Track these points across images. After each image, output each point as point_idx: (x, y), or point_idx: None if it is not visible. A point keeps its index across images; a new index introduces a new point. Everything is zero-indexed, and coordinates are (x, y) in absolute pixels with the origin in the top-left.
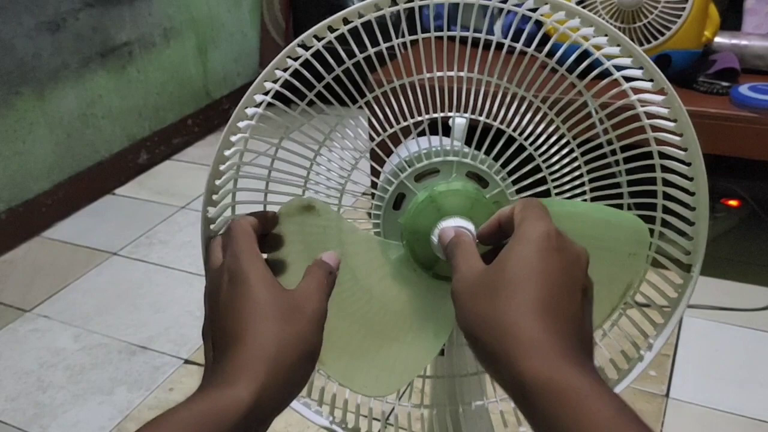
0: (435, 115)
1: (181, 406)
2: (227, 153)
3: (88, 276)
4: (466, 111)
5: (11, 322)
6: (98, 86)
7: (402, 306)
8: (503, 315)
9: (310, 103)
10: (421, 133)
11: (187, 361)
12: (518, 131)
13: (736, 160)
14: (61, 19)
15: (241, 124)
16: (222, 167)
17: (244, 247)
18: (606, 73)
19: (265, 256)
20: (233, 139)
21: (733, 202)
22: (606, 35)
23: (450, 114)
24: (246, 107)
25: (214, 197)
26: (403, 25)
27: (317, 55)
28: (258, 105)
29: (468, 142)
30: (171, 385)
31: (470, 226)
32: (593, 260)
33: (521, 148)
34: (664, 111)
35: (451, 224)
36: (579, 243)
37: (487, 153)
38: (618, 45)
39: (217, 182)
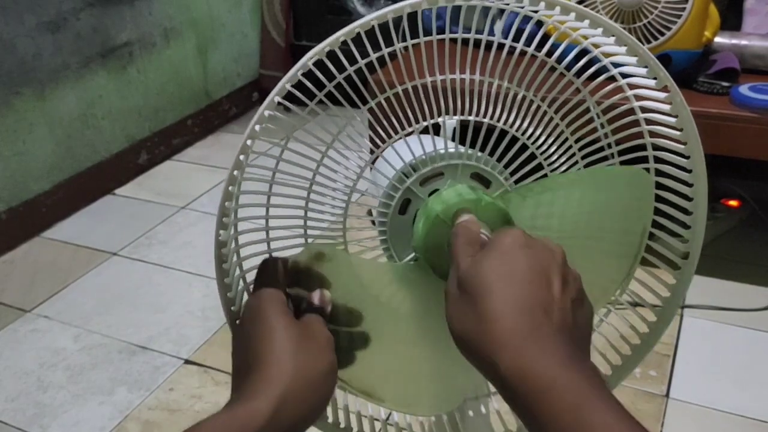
0: (439, 119)
1: (204, 420)
2: (236, 173)
3: (88, 276)
4: (470, 113)
5: (11, 322)
6: (98, 86)
7: (429, 317)
8: (480, 315)
9: (313, 106)
10: (423, 133)
11: (187, 361)
12: (521, 131)
13: (736, 160)
14: (62, 19)
15: (249, 142)
16: (231, 188)
17: (266, 289)
18: (607, 72)
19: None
20: (242, 158)
21: (733, 202)
22: (613, 36)
23: (456, 117)
24: (257, 124)
25: (225, 220)
26: (405, 25)
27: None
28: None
29: (463, 142)
30: (171, 385)
31: (483, 230)
32: (606, 216)
33: (521, 147)
34: (664, 107)
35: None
36: (557, 241)
37: (482, 150)
38: (625, 45)
39: (227, 204)
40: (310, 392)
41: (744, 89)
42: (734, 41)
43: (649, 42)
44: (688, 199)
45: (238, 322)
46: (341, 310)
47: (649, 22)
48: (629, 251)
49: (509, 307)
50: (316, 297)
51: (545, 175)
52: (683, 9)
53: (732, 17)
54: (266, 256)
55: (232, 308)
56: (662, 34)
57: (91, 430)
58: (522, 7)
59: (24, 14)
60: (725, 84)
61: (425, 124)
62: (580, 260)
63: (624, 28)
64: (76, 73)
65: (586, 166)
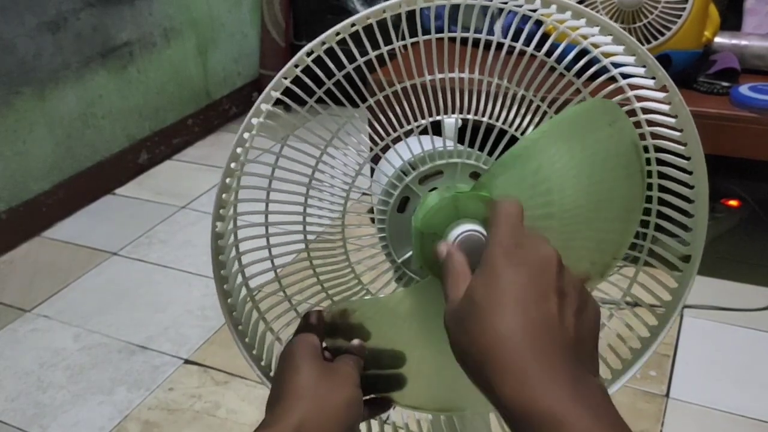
0: (438, 118)
1: None
2: (233, 165)
3: (88, 276)
4: (469, 112)
5: (11, 322)
6: (98, 86)
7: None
8: (478, 345)
9: (313, 103)
10: (423, 133)
11: (187, 361)
12: (520, 131)
13: (736, 160)
14: (62, 19)
15: (246, 135)
16: (228, 180)
17: (299, 334)
18: (606, 72)
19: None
20: (239, 150)
21: (733, 202)
22: (622, 44)
23: (455, 116)
24: (253, 117)
25: (222, 212)
26: (404, 25)
27: (317, 58)
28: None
29: (462, 140)
30: (171, 385)
31: (482, 230)
32: (590, 153)
33: (513, 142)
34: (663, 107)
35: (462, 229)
36: (550, 243)
37: (481, 150)
38: (623, 44)
39: (224, 196)
40: (327, 421)
41: (744, 89)
42: (734, 41)
43: (649, 42)
44: (689, 201)
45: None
46: (385, 353)
47: (649, 22)
48: (633, 167)
49: (507, 338)
50: (353, 348)
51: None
52: (683, 9)
53: (732, 17)
54: (309, 308)
55: (229, 300)
56: (662, 34)
57: (90, 430)
58: (520, 6)
59: (24, 14)
60: (725, 84)
61: (424, 122)
62: (589, 231)
63: (624, 28)
64: (76, 72)
65: None
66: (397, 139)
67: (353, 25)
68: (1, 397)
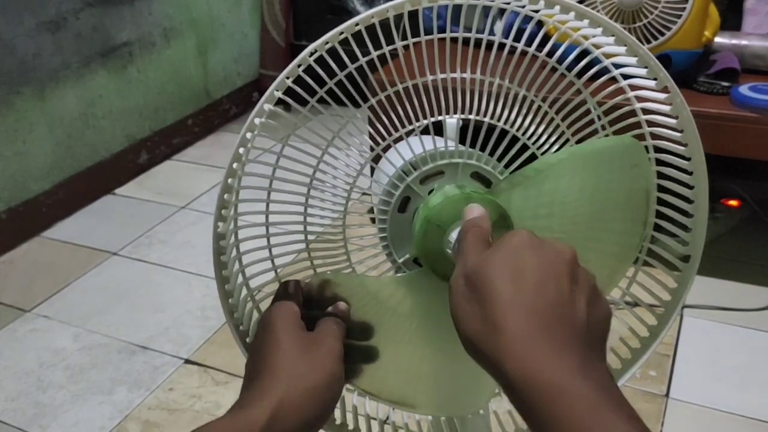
0: (440, 118)
1: (206, 424)
2: (235, 166)
3: (88, 276)
4: (470, 112)
5: (11, 322)
6: (98, 86)
7: (433, 318)
8: (488, 314)
9: (314, 103)
10: (424, 133)
11: (187, 361)
12: (521, 131)
13: (736, 160)
14: (61, 19)
15: (248, 135)
16: (230, 180)
17: (279, 302)
18: (607, 73)
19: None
20: (242, 151)
21: (733, 202)
22: (613, 35)
23: (457, 116)
24: (256, 117)
25: (224, 212)
26: (406, 24)
27: (318, 57)
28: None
29: (464, 141)
30: (171, 385)
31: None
32: (603, 189)
33: (521, 146)
34: (664, 108)
35: (457, 232)
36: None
37: (483, 150)
38: (624, 45)
39: (226, 196)
40: (308, 400)
41: (744, 89)
42: (734, 41)
43: (649, 42)
44: (689, 201)
45: (253, 334)
46: (356, 325)
47: (649, 22)
48: (637, 214)
49: (518, 310)
50: (331, 308)
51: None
52: (683, 9)
53: (732, 17)
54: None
55: (230, 300)
56: (662, 34)
57: (91, 430)
58: (522, 6)
59: (24, 14)
60: (725, 84)
61: (425, 122)
62: (585, 254)
63: (624, 28)
64: (76, 72)
65: None
66: (398, 139)
67: (357, 24)
68: (1, 397)
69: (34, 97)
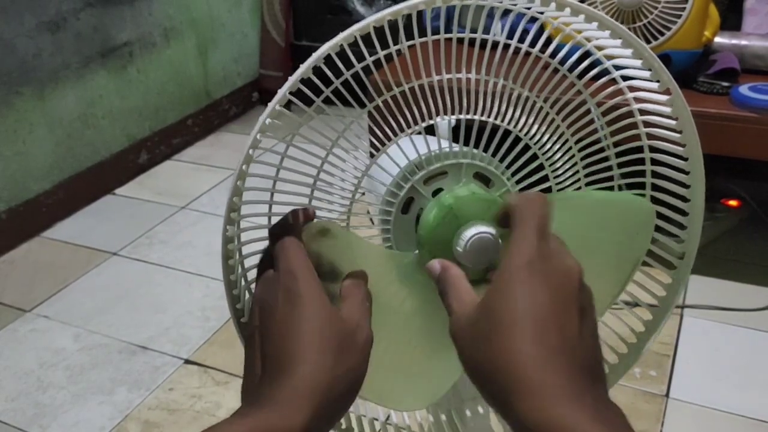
0: (437, 119)
1: (227, 424)
2: (245, 168)
3: (88, 276)
4: (476, 113)
5: (11, 322)
6: (98, 86)
7: (426, 315)
8: (497, 359)
9: (312, 103)
10: (427, 133)
11: (187, 361)
12: (523, 132)
13: (736, 160)
14: (61, 19)
15: (259, 136)
16: (240, 183)
17: (299, 263)
18: (609, 74)
19: None
20: (252, 152)
21: (733, 202)
22: (620, 39)
23: (455, 116)
24: (268, 118)
25: (233, 215)
26: (414, 24)
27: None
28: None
29: (467, 141)
30: (171, 385)
31: (491, 230)
32: (599, 239)
33: (522, 147)
34: (665, 110)
35: (473, 231)
36: (572, 250)
37: (485, 150)
38: (630, 47)
39: (236, 199)
40: (337, 407)
41: (744, 89)
42: (734, 41)
43: (649, 42)
44: (685, 200)
45: (259, 287)
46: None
47: (649, 22)
48: (619, 277)
49: (528, 354)
50: (363, 278)
51: (546, 176)
52: (683, 9)
53: (732, 17)
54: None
55: (237, 306)
56: (662, 34)
57: (91, 430)
58: (528, 8)
59: (24, 14)
60: (725, 84)
61: (424, 124)
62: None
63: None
64: (76, 72)
65: (585, 167)
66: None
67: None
68: (1, 397)
69: (34, 97)
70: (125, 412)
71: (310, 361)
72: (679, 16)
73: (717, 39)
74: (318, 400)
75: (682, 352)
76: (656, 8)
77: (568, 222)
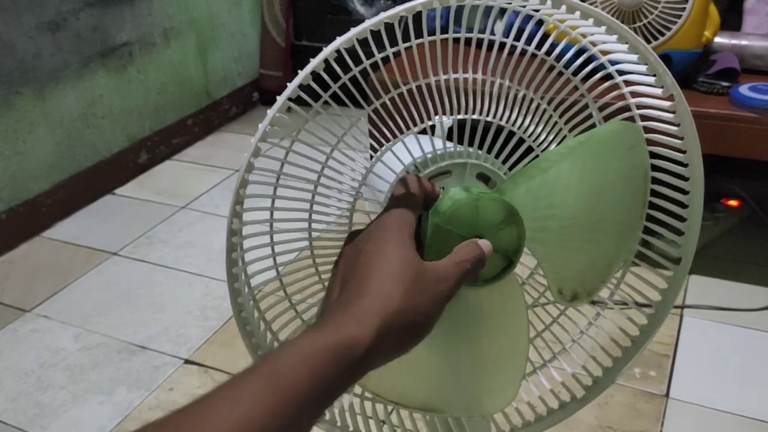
0: (436, 119)
1: (302, 338)
2: (253, 161)
3: (88, 276)
4: (480, 113)
5: (11, 322)
6: (98, 86)
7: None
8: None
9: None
10: (422, 134)
11: (187, 361)
12: (526, 133)
13: (736, 160)
14: (61, 19)
15: (267, 129)
16: (247, 176)
17: (394, 221)
18: (612, 78)
19: None
20: (260, 145)
21: (733, 202)
22: (626, 42)
23: (465, 116)
24: (278, 112)
25: (238, 208)
26: (423, 24)
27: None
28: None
29: (470, 142)
30: (171, 385)
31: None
32: (602, 175)
33: (520, 144)
34: (667, 116)
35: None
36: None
37: (489, 151)
38: (636, 50)
39: (241, 191)
40: (400, 337)
41: (744, 89)
42: (734, 41)
43: (649, 42)
44: (684, 205)
45: (357, 229)
46: None
47: (649, 22)
48: (637, 195)
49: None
50: (484, 245)
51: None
52: (683, 9)
53: (732, 17)
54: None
55: (239, 300)
56: (662, 34)
57: (91, 430)
58: (537, 11)
59: (24, 14)
60: (725, 84)
61: (423, 125)
62: (585, 244)
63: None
64: (76, 72)
65: None
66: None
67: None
68: (1, 397)
69: (34, 97)
70: (125, 412)
71: (380, 289)
72: (679, 16)
73: (717, 39)
74: (383, 321)
75: (681, 352)
76: (656, 8)
77: (570, 178)
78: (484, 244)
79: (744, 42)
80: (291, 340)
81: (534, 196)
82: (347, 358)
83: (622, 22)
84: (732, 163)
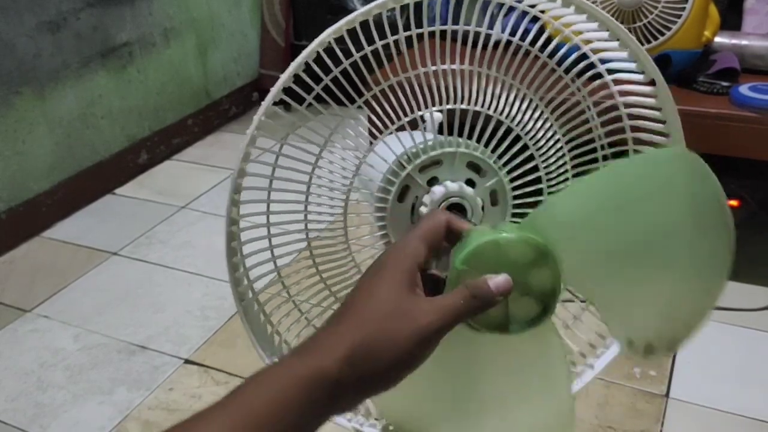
0: (435, 109)
1: (279, 367)
2: (252, 150)
3: (88, 276)
4: (461, 102)
5: (11, 322)
6: (98, 86)
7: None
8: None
9: (311, 104)
10: (413, 125)
11: (187, 361)
12: (515, 123)
13: (736, 160)
14: (61, 19)
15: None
16: (245, 165)
17: (403, 252)
18: (600, 74)
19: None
20: (256, 133)
21: (733, 202)
22: (619, 38)
23: (455, 106)
24: (262, 116)
25: (236, 197)
26: (411, 17)
27: (317, 57)
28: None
29: (460, 133)
30: (171, 385)
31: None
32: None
33: (513, 138)
34: (648, 101)
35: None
36: None
37: (478, 141)
38: (617, 39)
39: (239, 181)
40: (372, 371)
41: (744, 89)
42: (734, 41)
43: (649, 42)
44: None
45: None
46: None
47: (649, 22)
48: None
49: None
50: (493, 283)
51: (536, 166)
52: (683, 9)
53: (732, 17)
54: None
55: (239, 289)
56: (662, 34)
57: (91, 430)
58: (533, 6)
59: (24, 14)
60: (725, 84)
61: (412, 116)
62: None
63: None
64: (76, 72)
65: (573, 158)
66: (398, 130)
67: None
68: (1, 397)
69: (34, 97)
70: (125, 412)
71: (356, 317)
72: (679, 16)
73: (717, 39)
74: (354, 347)
75: (682, 352)
76: (656, 8)
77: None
78: (500, 280)
79: (744, 42)
80: (264, 369)
81: (583, 227)
82: (318, 389)
83: (622, 22)
84: (732, 163)
